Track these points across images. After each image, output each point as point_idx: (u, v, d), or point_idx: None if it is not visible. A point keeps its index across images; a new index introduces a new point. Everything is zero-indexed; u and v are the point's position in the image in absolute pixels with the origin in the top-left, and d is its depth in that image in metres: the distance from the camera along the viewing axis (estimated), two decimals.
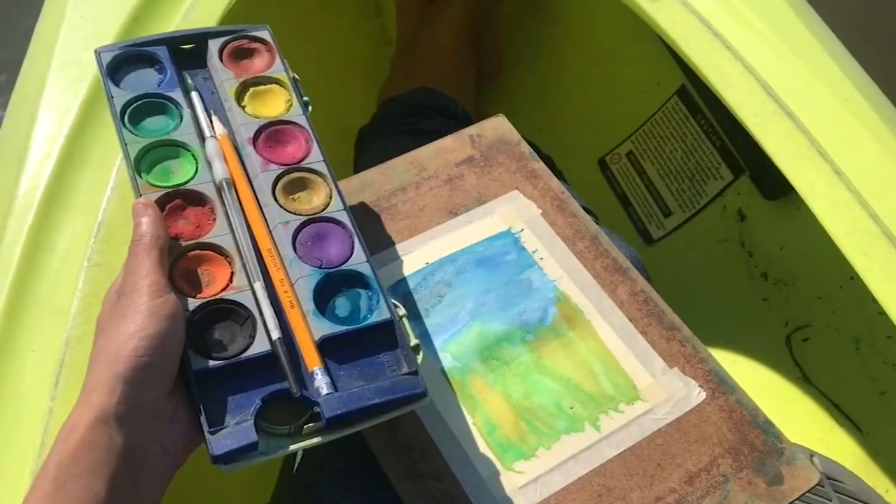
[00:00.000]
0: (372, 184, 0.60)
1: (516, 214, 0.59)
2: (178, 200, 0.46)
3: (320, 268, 0.45)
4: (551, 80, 1.03)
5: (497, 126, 0.64)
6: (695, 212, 0.89)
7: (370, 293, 0.46)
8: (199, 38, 0.54)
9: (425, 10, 0.98)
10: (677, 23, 0.64)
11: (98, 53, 0.51)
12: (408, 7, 1.00)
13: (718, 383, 0.52)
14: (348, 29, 1.06)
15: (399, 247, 0.56)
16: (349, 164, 0.82)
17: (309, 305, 0.44)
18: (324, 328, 0.43)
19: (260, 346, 0.42)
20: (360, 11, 1.08)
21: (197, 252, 0.45)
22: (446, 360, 0.52)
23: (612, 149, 0.97)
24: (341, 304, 0.45)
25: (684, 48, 0.63)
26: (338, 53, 1.02)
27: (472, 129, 0.63)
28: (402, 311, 0.46)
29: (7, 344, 0.53)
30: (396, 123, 0.79)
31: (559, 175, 0.72)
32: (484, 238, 0.57)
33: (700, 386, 0.52)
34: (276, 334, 0.43)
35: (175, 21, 0.66)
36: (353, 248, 0.47)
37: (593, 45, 1.00)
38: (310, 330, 0.44)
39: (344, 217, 0.48)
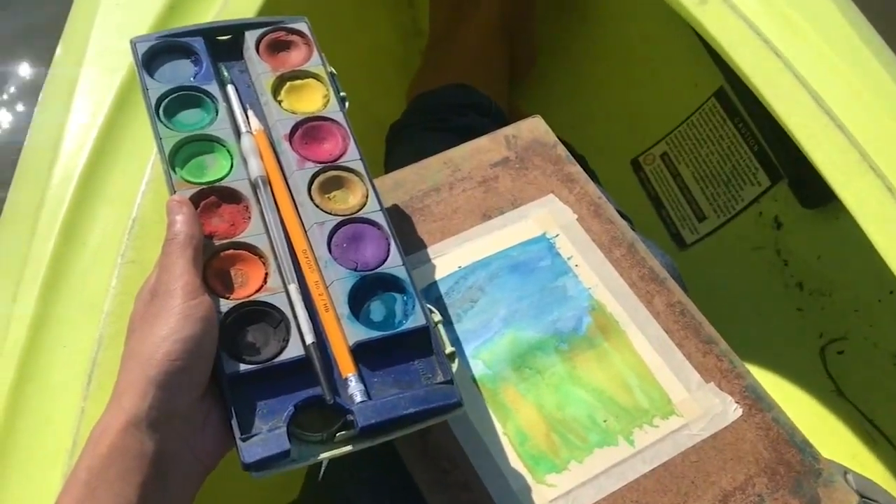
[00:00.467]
0: (404, 183, 0.59)
1: (551, 219, 0.57)
2: (212, 197, 0.45)
3: (356, 270, 0.44)
4: (585, 78, 1.01)
5: (533, 127, 0.62)
6: (729, 217, 0.87)
7: (405, 297, 0.45)
8: (236, 30, 0.53)
9: (458, 4, 0.96)
10: (725, 27, 0.62)
11: (133, 44, 0.50)
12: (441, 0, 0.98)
13: (755, 400, 0.51)
14: (378, 19, 1.05)
15: (431, 249, 0.55)
16: (377, 156, 0.81)
17: (343, 309, 0.43)
18: (358, 333, 0.42)
19: (294, 350, 0.41)
20: (392, 1, 1.06)
21: (231, 251, 0.44)
22: (478, 367, 0.51)
23: (647, 149, 0.95)
24: (376, 309, 0.44)
25: (732, 54, 0.61)
26: (367, 44, 1.01)
27: (507, 130, 0.62)
28: (437, 317, 0.45)
29: (37, 338, 0.52)
30: (429, 120, 0.77)
31: (592, 175, 0.70)
32: (518, 242, 0.56)
33: (736, 402, 0.51)
34: (310, 338, 0.42)
35: (213, 11, 0.65)
36: (388, 250, 0.46)
37: (629, 43, 0.98)
38: (344, 335, 0.43)
39: (380, 218, 0.47)
